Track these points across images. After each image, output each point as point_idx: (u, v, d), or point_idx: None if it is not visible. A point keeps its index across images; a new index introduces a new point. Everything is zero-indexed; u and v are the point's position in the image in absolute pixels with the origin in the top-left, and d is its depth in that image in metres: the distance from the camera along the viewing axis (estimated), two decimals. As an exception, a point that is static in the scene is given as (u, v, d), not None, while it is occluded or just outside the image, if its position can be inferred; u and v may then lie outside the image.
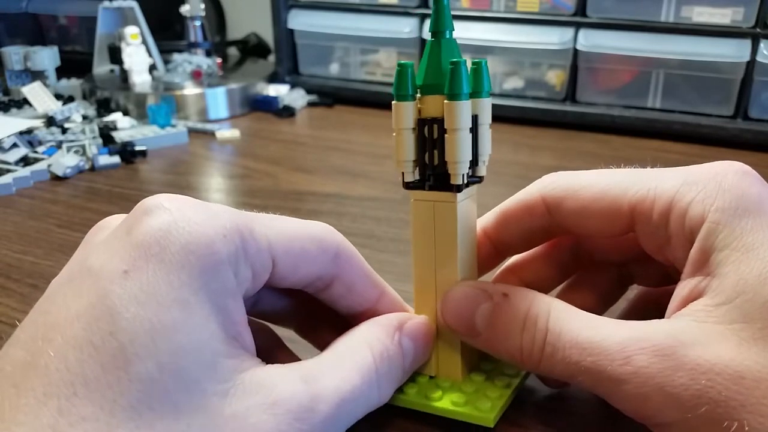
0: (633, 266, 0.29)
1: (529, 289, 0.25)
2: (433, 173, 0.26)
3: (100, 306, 0.19)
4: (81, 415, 0.18)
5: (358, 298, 0.27)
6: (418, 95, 0.26)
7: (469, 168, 0.25)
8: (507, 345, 0.24)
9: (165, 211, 0.21)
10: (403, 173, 0.26)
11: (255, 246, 0.22)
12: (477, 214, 0.28)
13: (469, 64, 0.25)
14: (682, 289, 0.24)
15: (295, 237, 0.24)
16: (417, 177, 0.26)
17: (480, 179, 0.26)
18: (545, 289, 0.30)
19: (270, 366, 0.22)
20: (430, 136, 0.25)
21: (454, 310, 0.26)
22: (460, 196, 0.25)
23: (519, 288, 0.26)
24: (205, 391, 0.20)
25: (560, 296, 0.30)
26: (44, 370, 0.19)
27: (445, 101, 0.24)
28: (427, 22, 0.72)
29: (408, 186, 0.26)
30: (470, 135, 0.25)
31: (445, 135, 0.25)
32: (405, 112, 0.25)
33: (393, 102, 0.25)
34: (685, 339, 0.21)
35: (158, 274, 0.20)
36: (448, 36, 0.25)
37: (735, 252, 0.22)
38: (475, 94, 0.25)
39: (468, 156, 0.25)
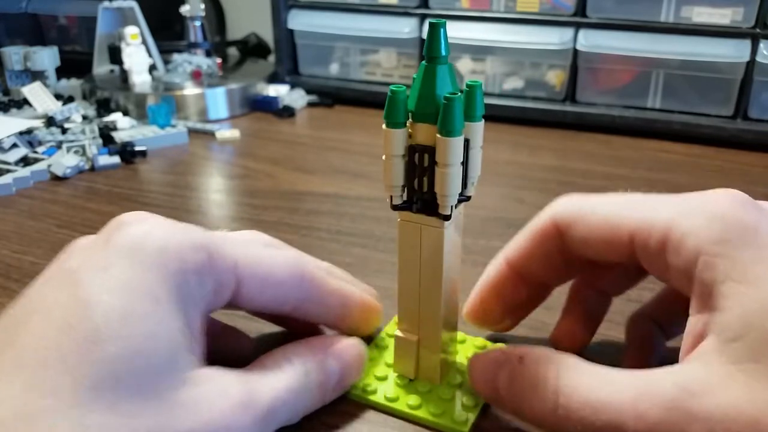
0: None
1: (544, 348, 0.26)
2: (420, 197, 0.26)
3: (79, 294, 0.21)
4: (50, 389, 0.19)
5: (327, 315, 0.29)
6: (410, 120, 0.25)
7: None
8: (525, 408, 0.25)
9: (142, 222, 0.24)
10: (391, 196, 0.26)
11: (221, 263, 0.24)
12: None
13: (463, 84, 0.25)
14: (692, 326, 0.23)
15: (262, 262, 0.26)
16: (404, 199, 0.26)
17: (468, 198, 0.27)
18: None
19: (215, 367, 0.24)
20: (420, 164, 0.25)
21: (480, 377, 0.27)
22: (447, 222, 0.26)
23: (534, 348, 0.26)
24: (166, 377, 0.21)
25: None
26: (20, 348, 0.20)
27: (438, 135, 0.24)
28: (428, 22, 0.72)
29: (395, 207, 0.27)
30: (461, 168, 0.25)
31: (436, 167, 0.25)
32: (395, 139, 0.25)
33: (384, 127, 0.25)
34: (694, 388, 0.21)
35: (134, 271, 0.22)
36: (444, 62, 0.24)
37: (738, 285, 0.22)
38: (468, 117, 0.25)
39: (457, 189, 0.25)
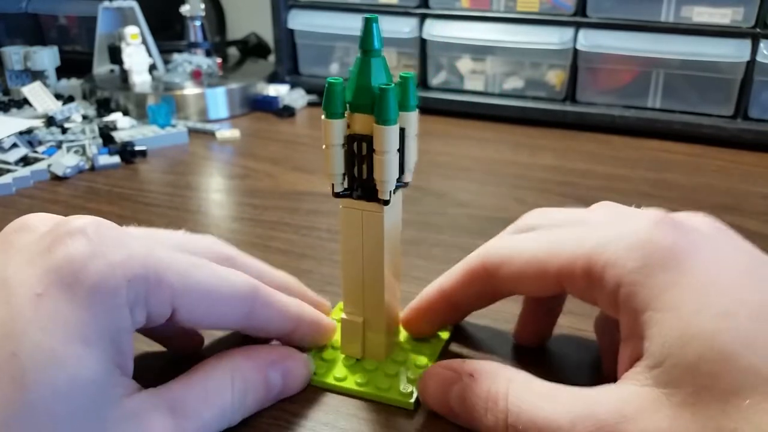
0: None
1: (495, 364, 0.26)
2: (360, 185, 0.27)
3: (10, 325, 0.21)
4: None
5: (274, 333, 0.29)
6: (348, 111, 0.26)
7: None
8: (478, 425, 0.25)
9: (86, 240, 0.23)
10: (332, 184, 0.27)
11: (157, 296, 0.24)
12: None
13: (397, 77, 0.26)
14: (623, 351, 0.24)
15: (206, 293, 0.25)
16: (345, 186, 0.28)
17: (405, 184, 0.28)
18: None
19: (144, 393, 0.24)
20: (359, 153, 0.27)
21: (432, 394, 0.27)
22: (386, 207, 0.27)
23: (485, 365, 0.27)
24: (89, 421, 0.21)
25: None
26: None
27: (375, 124, 0.25)
28: (428, 22, 0.72)
29: (337, 195, 0.28)
30: (398, 155, 0.26)
31: (374, 154, 0.26)
32: (334, 129, 0.26)
33: (323, 118, 0.26)
34: (626, 412, 0.22)
35: (66, 306, 0.21)
36: (378, 54, 0.26)
37: (657, 312, 0.23)
38: (402, 107, 0.26)
39: (395, 175, 0.26)
